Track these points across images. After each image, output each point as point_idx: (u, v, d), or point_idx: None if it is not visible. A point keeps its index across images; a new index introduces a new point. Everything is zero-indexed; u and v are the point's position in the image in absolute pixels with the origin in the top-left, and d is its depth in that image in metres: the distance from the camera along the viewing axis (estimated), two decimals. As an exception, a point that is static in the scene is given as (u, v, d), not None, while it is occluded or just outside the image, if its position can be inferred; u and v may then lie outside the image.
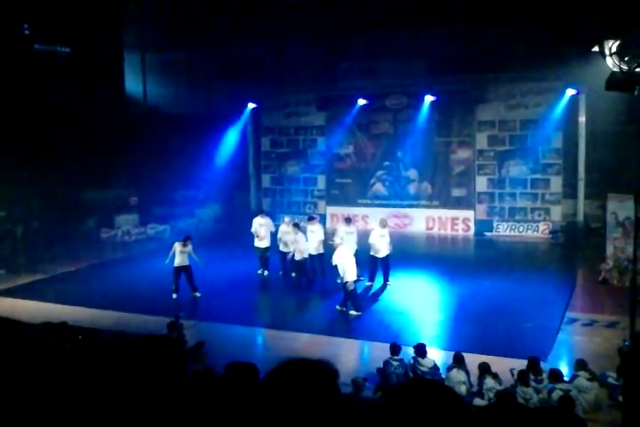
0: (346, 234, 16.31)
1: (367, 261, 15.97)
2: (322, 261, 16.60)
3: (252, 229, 17.71)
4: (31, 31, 21.83)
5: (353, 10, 22.61)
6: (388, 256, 16.03)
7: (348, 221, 17.18)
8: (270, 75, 25.15)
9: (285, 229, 17.19)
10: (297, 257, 16.20)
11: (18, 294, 16.11)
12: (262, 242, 17.52)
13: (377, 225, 16.60)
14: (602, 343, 11.65)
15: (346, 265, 13.68)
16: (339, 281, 14.49)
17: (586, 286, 16.41)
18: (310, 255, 16.61)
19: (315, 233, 16.80)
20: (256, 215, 18.59)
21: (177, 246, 15.22)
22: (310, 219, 17.73)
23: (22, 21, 21.56)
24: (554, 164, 22.56)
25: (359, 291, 14.95)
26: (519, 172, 23.01)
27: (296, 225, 16.89)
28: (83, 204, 23.24)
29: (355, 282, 14.01)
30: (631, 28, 7.50)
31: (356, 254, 15.71)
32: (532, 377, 9.15)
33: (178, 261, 15.12)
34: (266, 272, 17.61)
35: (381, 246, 15.89)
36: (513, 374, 9.20)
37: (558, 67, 20.89)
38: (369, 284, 16.17)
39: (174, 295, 15.19)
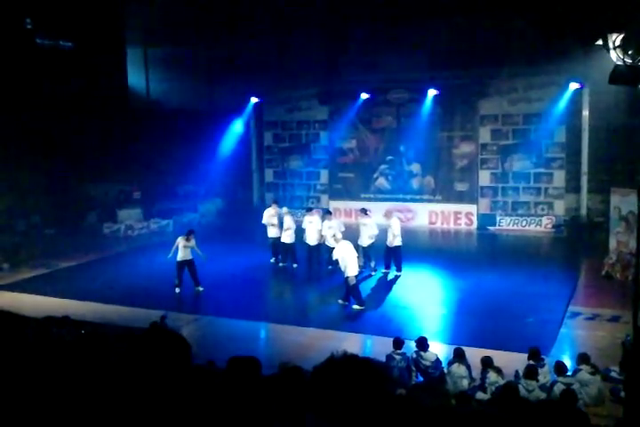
0: (361, 226, 16.54)
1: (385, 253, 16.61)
2: (320, 252, 16.72)
3: (264, 221, 17.98)
4: (33, 25, 21.80)
5: (355, 4, 22.57)
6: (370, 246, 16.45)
7: (364, 211, 17.08)
8: (272, 69, 25.10)
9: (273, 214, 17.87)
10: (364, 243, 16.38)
11: (21, 288, 16.15)
12: (272, 231, 17.70)
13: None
14: (604, 337, 11.65)
15: (347, 260, 13.68)
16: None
17: (589, 280, 16.40)
18: (309, 246, 16.77)
19: (313, 224, 16.90)
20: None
21: (180, 241, 15.23)
22: (309, 210, 17.93)
23: (24, 15, 21.53)
24: (557, 158, 22.51)
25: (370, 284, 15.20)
26: (522, 166, 22.96)
27: (364, 211, 17.01)
28: (85, 198, 23.27)
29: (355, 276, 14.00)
30: (635, 22, 7.47)
31: (372, 247, 16.33)
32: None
33: (181, 256, 15.14)
34: (274, 259, 17.93)
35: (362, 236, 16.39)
36: (518, 374, 9.19)
37: (561, 60, 20.79)
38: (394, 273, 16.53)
39: (177, 290, 15.21)
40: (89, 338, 9.57)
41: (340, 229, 16.00)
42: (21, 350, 2.59)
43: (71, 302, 14.61)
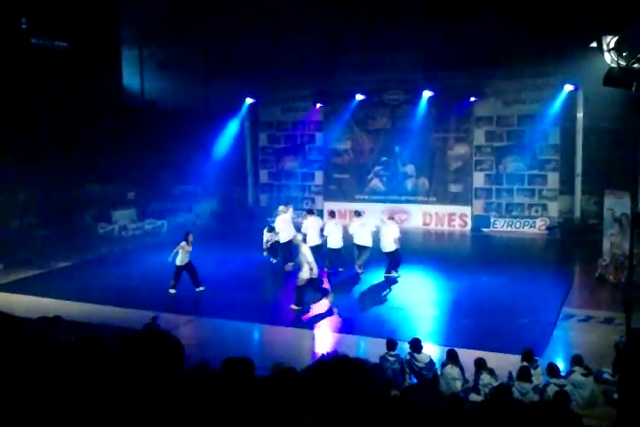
0: (359, 226, 16.70)
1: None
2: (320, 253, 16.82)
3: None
4: (28, 25, 21.73)
5: (350, 5, 22.58)
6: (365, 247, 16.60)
7: (358, 214, 17.25)
8: (268, 70, 25.09)
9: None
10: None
11: (15, 288, 16.07)
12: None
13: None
14: (598, 339, 11.67)
15: (304, 262, 13.76)
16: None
17: (582, 281, 16.44)
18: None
19: (315, 227, 16.97)
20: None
21: (184, 246, 15.09)
22: (310, 212, 17.91)
23: (20, 15, 21.47)
24: (551, 160, 22.58)
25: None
26: (516, 168, 23.01)
27: (357, 213, 17.26)
28: (80, 198, 23.19)
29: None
30: (629, 24, 7.49)
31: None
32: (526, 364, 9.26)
33: (181, 260, 15.05)
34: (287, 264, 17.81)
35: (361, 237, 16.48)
36: (512, 376, 9.21)
37: (556, 62, 20.85)
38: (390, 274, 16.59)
39: (172, 291, 15.16)
40: (82, 339, 9.54)
41: (338, 233, 16.37)
42: (15, 351, 2.58)
43: (65, 302, 14.55)
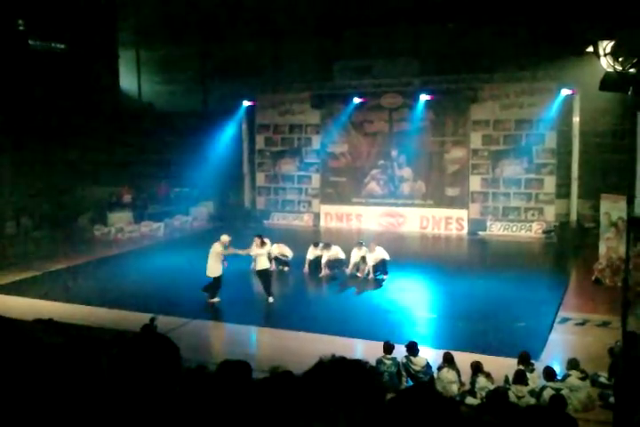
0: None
1: None
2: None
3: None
4: (26, 27, 21.74)
5: (348, 8, 22.65)
6: None
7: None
8: (265, 72, 25.13)
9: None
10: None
11: (10, 290, 16.05)
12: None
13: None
14: (594, 343, 11.66)
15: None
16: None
17: (578, 285, 16.44)
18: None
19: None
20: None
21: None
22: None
23: (17, 17, 21.47)
24: (548, 163, 22.60)
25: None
26: (513, 171, 23.04)
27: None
28: (76, 201, 23.18)
29: None
30: (625, 29, 7.51)
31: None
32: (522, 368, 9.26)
33: (261, 264, 15.18)
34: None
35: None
36: (508, 379, 9.20)
37: (553, 67, 20.94)
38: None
39: (271, 299, 15.07)
40: (77, 341, 9.51)
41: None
42: (10, 353, 2.58)
43: (61, 304, 14.53)
